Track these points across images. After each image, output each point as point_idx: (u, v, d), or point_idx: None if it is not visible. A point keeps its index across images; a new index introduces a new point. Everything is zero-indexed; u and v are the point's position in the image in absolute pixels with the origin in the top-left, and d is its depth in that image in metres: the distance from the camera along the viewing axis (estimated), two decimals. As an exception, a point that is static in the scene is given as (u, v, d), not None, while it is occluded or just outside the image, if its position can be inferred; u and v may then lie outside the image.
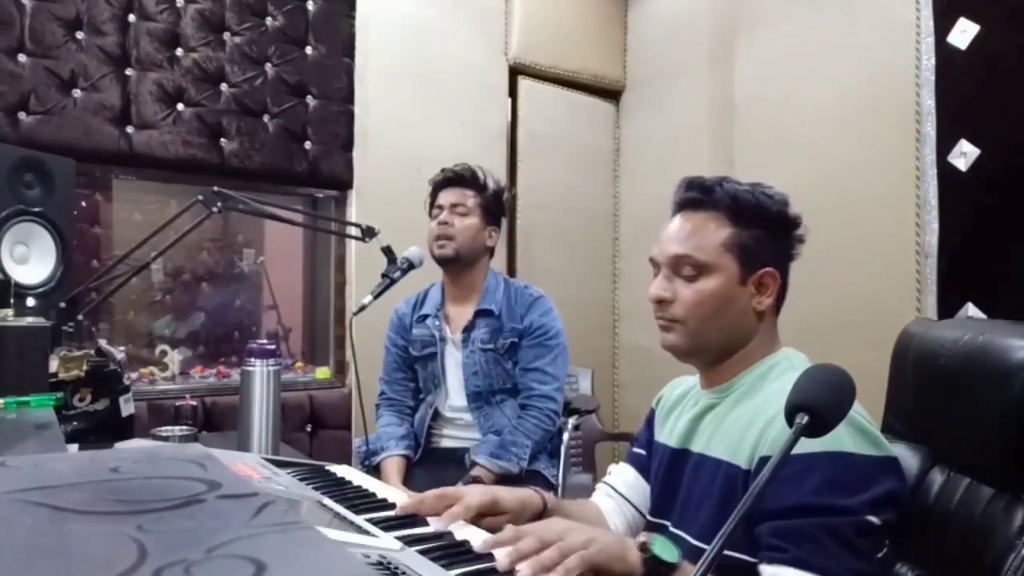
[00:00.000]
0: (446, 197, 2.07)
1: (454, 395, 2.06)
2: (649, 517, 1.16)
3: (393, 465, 1.98)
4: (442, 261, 2.06)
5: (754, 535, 0.91)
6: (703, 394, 1.13)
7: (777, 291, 1.09)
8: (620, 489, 1.26)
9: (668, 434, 1.17)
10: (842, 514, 0.86)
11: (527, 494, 1.09)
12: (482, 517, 0.98)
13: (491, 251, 2.14)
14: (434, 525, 0.92)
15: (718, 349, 1.09)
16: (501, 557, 0.78)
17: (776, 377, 1.05)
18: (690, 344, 1.09)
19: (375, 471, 1.98)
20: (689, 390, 1.20)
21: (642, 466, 1.25)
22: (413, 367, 2.15)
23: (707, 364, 1.12)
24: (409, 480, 1.97)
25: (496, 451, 1.91)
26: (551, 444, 2.09)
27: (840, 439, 0.86)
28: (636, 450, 1.28)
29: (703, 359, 1.12)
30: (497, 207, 2.12)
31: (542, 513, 1.09)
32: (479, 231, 2.07)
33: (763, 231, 1.07)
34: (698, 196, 1.10)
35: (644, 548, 0.78)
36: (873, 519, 0.87)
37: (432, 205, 2.11)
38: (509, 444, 1.93)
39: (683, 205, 1.12)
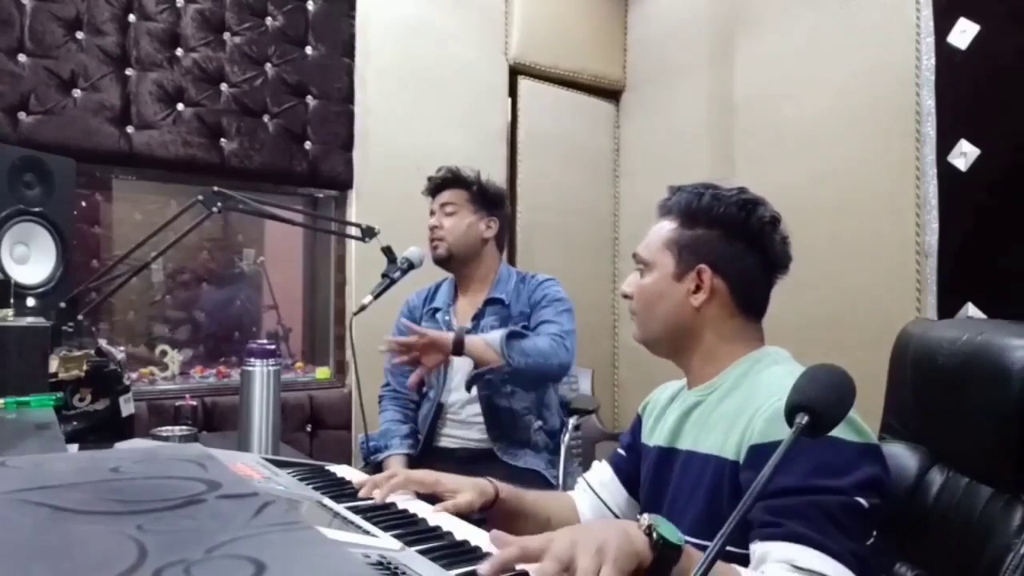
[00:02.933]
0: (437, 201, 2.14)
1: (459, 389, 2.06)
2: (638, 517, 1.17)
3: (396, 464, 1.98)
4: (437, 261, 2.11)
5: (746, 522, 0.91)
6: (688, 394, 1.15)
7: (730, 290, 1.09)
8: (594, 486, 1.29)
9: (657, 435, 1.18)
10: (832, 494, 0.87)
11: (477, 481, 1.14)
12: (427, 494, 1.08)
13: (497, 242, 2.16)
14: (377, 496, 1.03)
15: (666, 342, 1.15)
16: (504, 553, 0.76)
17: (759, 372, 1.07)
18: (642, 335, 1.17)
19: (377, 469, 1.98)
20: (676, 393, 1.22)
21: (619, 467, 1.28)
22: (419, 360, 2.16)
23: (671, 357, 1.17)
24: None
25: (496, 337, 1.88)
26: (551, 443, 2.09)
27: None
28: (618, 451, 1.31)
29: (660, 351, 1.17)
30: (487, 197, 2.14)
31: (495, 501, 1.13)
32: (471, 225, 2.10)
33: (708, 231, 1.10)
34: (666, 201, 1.18)
35: (651, 531, 0.75)
36: (861, 501, 0.88)
37: (431, 212, 2.16)
38: (513, 339, 1.88)
39: (659, 209, 1.20)
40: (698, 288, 1.10)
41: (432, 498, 1.08)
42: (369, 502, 1.01)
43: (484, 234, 2.12)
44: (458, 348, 1.85)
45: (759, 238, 1.10)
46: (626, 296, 1.18)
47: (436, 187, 2.15)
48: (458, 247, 2.08)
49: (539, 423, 2.04)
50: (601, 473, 1.30)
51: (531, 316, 2.05)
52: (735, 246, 1.10)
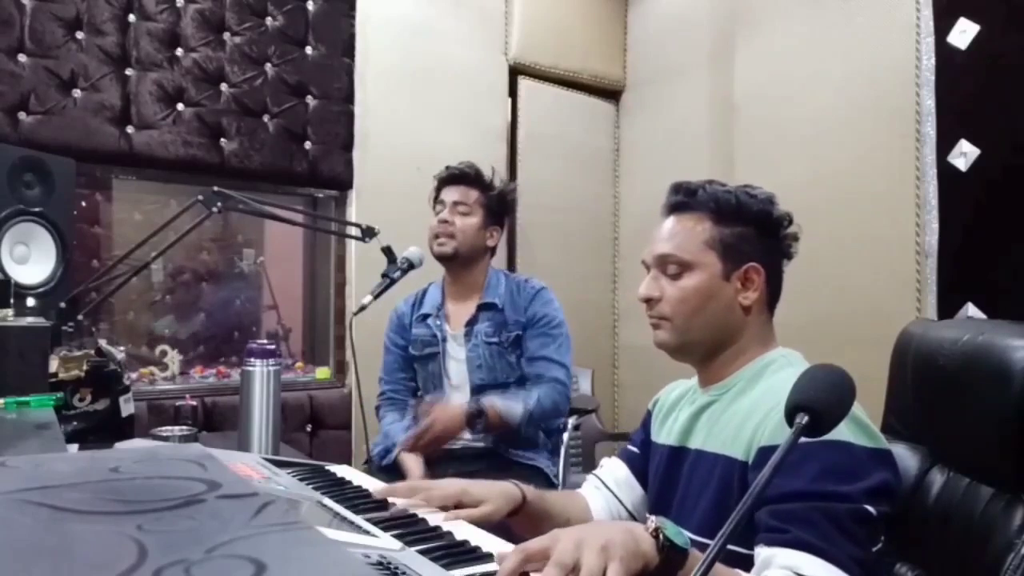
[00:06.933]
0: (449, 195, 2.09)
1: (456, 394, 2.06)
2: (648, 516, 1.16)
3: (413, 463, 1.94)
4: (441, 258, 2.08)
5: (752, 524, 0.90)
6: (700, 393, 1.15)
7: (766, 287, 1.11)
8: (609, 484, 1.27)
9: (666, 434, 1.18)
10: (840, 500, 0.87)
11: (505, 486, 1.09)
12: (456, 507, 1.00)
13: (492, 251, 2.15)
14: (400, 505, 0.96)
15: (707, 344, 1.11)
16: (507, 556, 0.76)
17: (773, 373, 1.06)
18: (679, 340, 1.12)
19: (389, 471, 1.97)
20: (686, 392, 1.22)
21: (634, 464, 1.27)
22: (413, 366, 2.15)
23: (700, 360, 1.14)
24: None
25: (503, 396, 1.93)
26: (551, 441, 2.08)
27: (838, 429, 0.87)
28: (631, 448, 1.29)
29: (695, 355, 1.14)
30: (500, 207, 2.13)
31: (522, 505, 1.09)
32: (479, 230, 2.08)
33: (746, 228, 1.10)
34: (683, 199, 1.14)
35: (657, 533, 0.76)
36: (870, 508, 0.88)
37: (435, 200, 2.12)
38: (514, 393, 1.94)
39: (671, 208, 1.15)
40: (745, 286, 1.09)
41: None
42: (369, 502, 1.01)
43: (488, 242, 2.11)
44: (471, 425, 1.90)
45: (784, 235, 1.12)
46: (648, 300, 1.12)
47: (453, 179, 2.10)
48: (465, 249, 2.05)
49: None
50: (615, 471, 1.28)
51: (527, 329, 2.03)
52: (768, 242, 1.11)
